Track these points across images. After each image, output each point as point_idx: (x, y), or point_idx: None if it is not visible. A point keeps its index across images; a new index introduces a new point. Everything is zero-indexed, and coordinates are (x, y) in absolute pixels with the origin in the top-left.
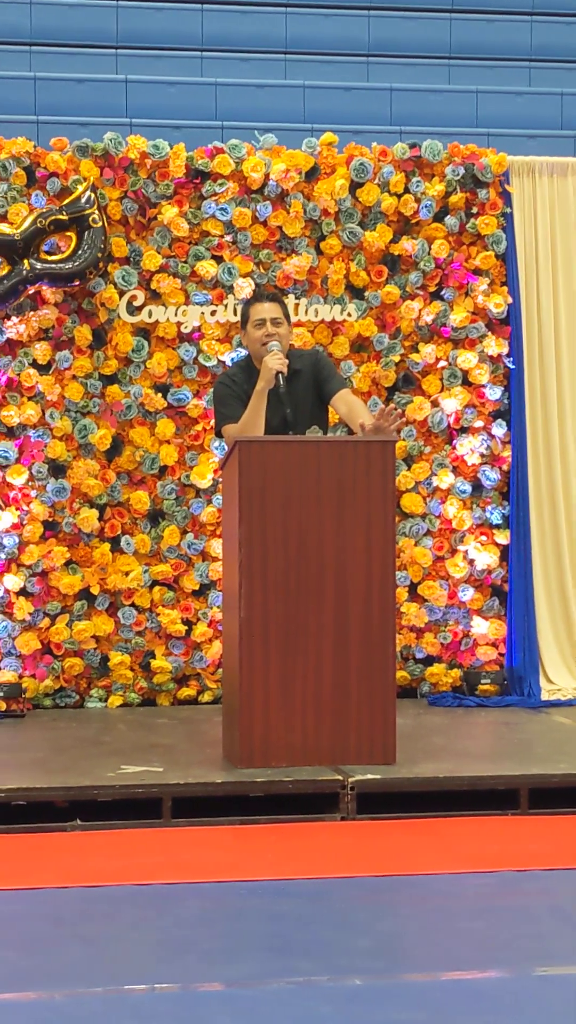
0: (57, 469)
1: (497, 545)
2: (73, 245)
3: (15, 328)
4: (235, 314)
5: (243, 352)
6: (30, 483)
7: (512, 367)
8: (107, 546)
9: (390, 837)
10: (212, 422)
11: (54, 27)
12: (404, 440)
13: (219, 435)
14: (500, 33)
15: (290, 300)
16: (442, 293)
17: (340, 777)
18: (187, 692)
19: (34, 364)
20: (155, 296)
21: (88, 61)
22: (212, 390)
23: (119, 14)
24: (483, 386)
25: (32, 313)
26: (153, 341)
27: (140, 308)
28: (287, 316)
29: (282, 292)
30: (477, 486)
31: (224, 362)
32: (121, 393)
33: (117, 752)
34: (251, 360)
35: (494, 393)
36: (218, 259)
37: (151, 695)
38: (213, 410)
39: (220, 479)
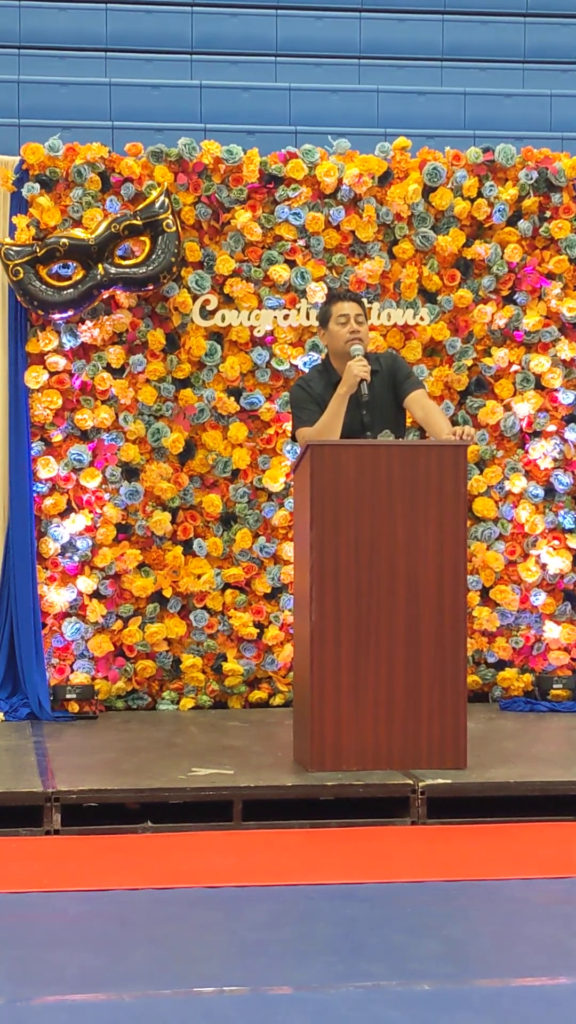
0: (130, 472)
1: (569, 549)
2: (147, 250)
3: (89, 332)
4: (308, 318)
5: (315, 357)
6: (103, 486)
7: None
8: (179, 549)
9: (460, 842)
10: (285, 426)
11: (130, 32)
12: (477, 444)
13: (294, 439)
14: None
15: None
16: (515, 297)
17: (411, 781)
18: (258, 695)
19: (108, 368)
20: (228, 300)
21: (162, 67)
22: (288, 394)
23: (194, 19)
24: (556, 390)
25: (106, 317)
26: (226, 345)
27: (213, 312)
28: (367, 317)
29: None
30: (549, 490)
31: (297, 366)
32: (194, 397)
33: (188, 754)
34: (328, 362)
35: (567, 397)
36: (291, 263)
37: (223, 698)
38: (290, 414)
39: (292, 483)
